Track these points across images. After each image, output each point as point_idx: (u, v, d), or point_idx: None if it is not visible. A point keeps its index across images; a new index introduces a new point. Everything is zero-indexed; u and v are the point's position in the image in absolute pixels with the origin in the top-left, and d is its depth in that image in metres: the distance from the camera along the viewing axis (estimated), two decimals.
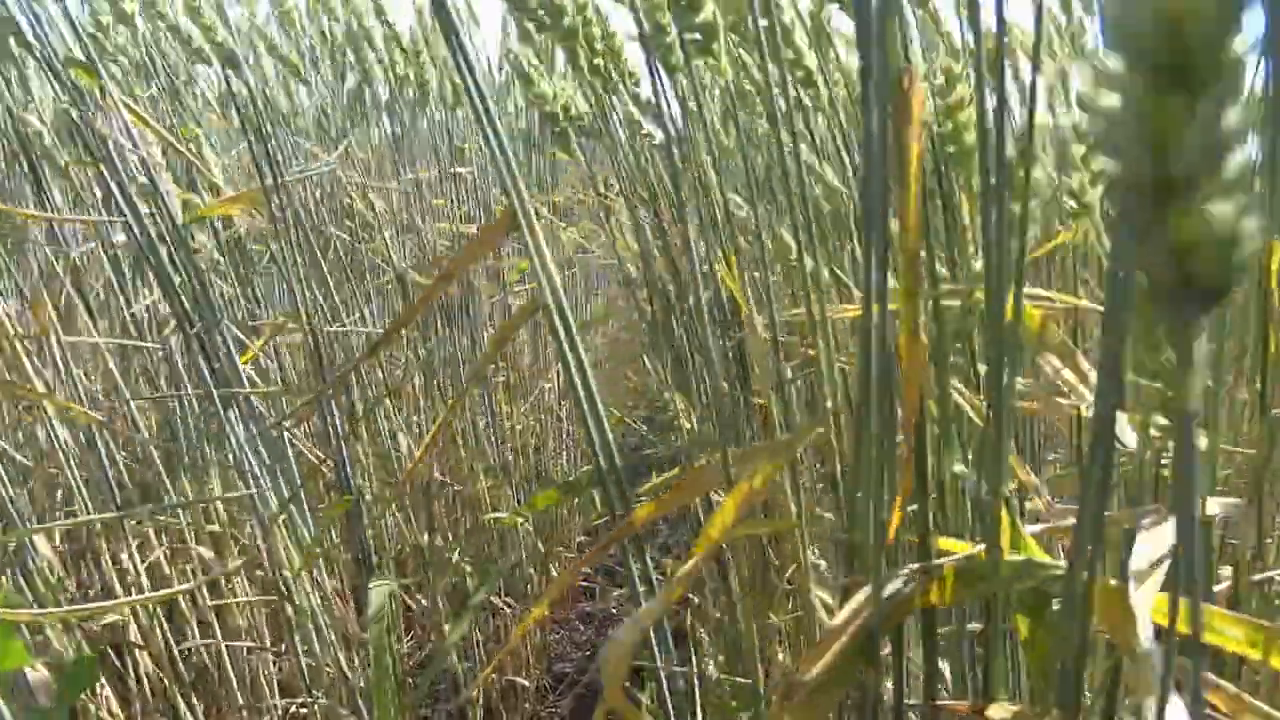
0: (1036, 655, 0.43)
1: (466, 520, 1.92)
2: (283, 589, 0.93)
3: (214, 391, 0.85)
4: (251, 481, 0.91)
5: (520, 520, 1.83)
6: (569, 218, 2.43)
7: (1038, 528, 0.43)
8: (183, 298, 0.84)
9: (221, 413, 0.90)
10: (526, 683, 1.98)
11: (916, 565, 0.44)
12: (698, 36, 0.50)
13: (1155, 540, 0.39)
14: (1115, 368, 0.35)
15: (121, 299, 1.08)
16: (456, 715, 1.74)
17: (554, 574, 2.31)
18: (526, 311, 0.49)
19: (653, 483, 0.77)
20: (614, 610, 2.42)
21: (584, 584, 2.47)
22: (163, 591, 0.97)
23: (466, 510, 1.92)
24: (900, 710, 0.50)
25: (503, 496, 1.92)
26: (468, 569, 1.69)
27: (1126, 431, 0.44)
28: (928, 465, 0.41)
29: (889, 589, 0.44)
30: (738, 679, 0.79)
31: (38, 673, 0.60)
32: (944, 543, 0.45)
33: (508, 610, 1.96)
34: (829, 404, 0.49)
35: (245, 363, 0.92)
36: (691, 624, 1.29)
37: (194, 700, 1.12)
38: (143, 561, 1.05)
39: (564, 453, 2.43)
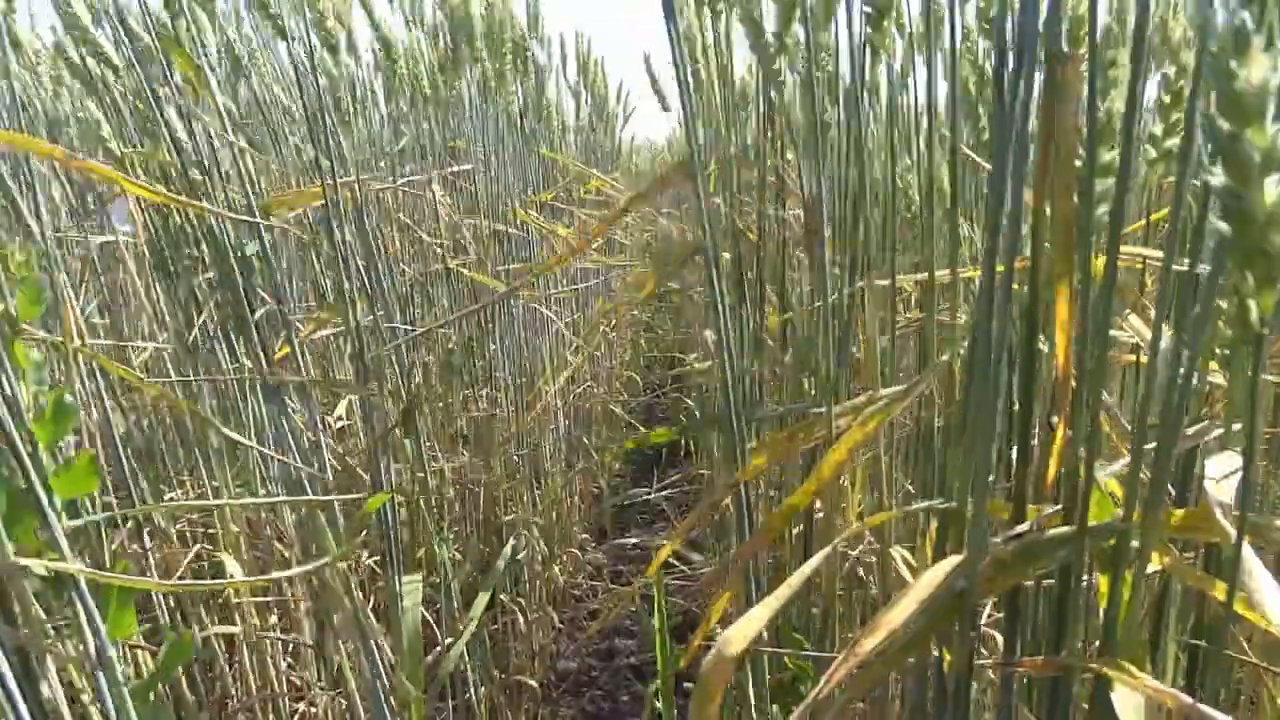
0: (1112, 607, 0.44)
1: (478, 519, 1.91)
2: (318, 582, 0.93)
3: (265, 378, 0.85)
4: (294, 469, 0.91)
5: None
6: (558, 217, 2.44)
7: (1115, 467, 0.44)
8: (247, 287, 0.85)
9: (261, 403, 0.89)
10: (532, 682, 1.98)
11: (1011, 533, 0.45)
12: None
13: (1224, 460, 0.41)
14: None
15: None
16: (463, 711, 1.73)
17: (556, 573, 2.31)
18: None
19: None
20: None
21: (588, 582, 2.47)
22: (270, 575, 0.96)
23: (473, 508, 1.92)
24: (970, 671, 0.51)
25: (513, 494, 1.92)
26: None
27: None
28: (1031, 427, 0.42)
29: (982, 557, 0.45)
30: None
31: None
32: (1033, 511, 0.46)
33: (515, 608, 1.96)
34: (945, 358, 0.50)
35: (283, 355, 0.92)
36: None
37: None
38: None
39: (560, 454, 2.43)
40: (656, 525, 2.78)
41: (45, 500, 0.58)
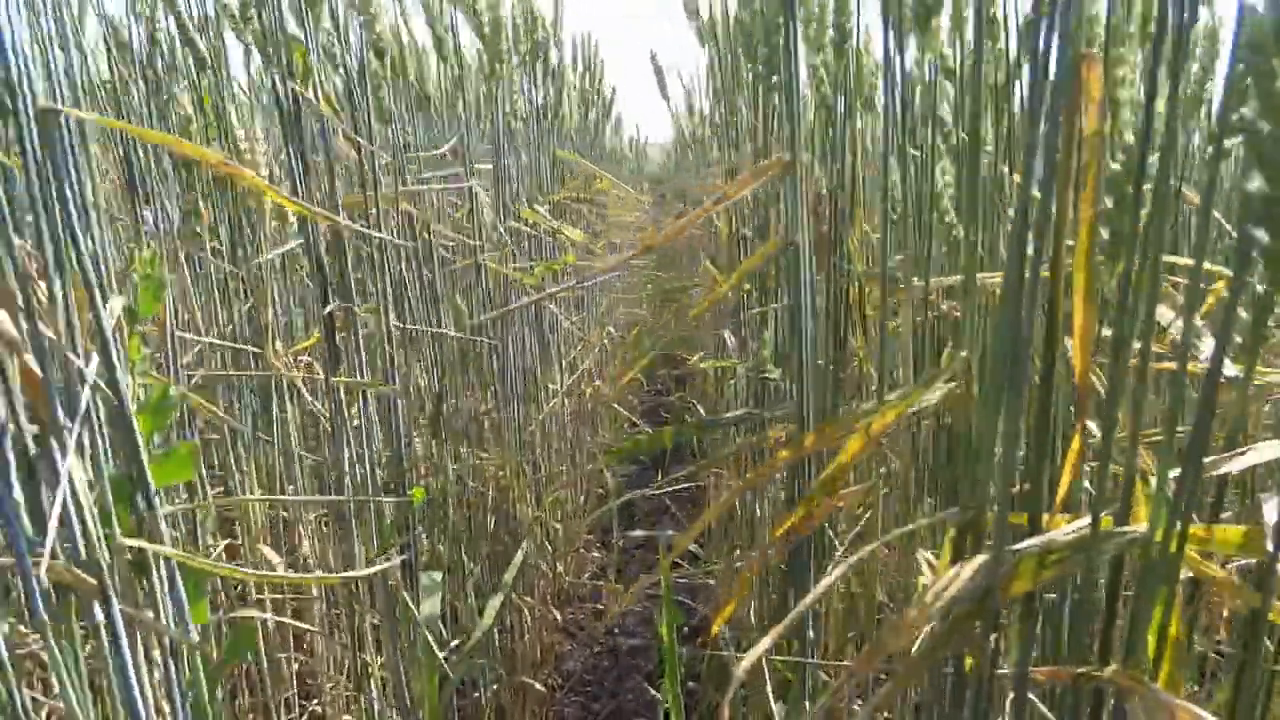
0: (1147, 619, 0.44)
1: (485, 519, 1.92)
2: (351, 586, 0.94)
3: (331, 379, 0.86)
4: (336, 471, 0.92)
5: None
6: (566, 217, 2.45)
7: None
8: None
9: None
10: (537, 684, 1.98)
11: (1032, 539, 0.45)
12: None
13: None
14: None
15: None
16: (471, 710, 1.74)
17: (561, 572, 2.32)
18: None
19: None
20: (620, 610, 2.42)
21: (592, 582, 2.48)
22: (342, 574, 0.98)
23: (480, 509, 1.92)
24: (990, 678, 0.51)
25: (520, 494, 1.92)
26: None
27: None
28: (1050, 433, 0.42)
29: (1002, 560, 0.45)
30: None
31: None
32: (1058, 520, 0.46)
33: (521, 606, 1.96)
34: (963, 354, 0.50)
35: (304, 350, 0.93)
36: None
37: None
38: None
39: (567, 457, 2.43)
40: (661, 524, 2.78)
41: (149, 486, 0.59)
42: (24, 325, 0.52)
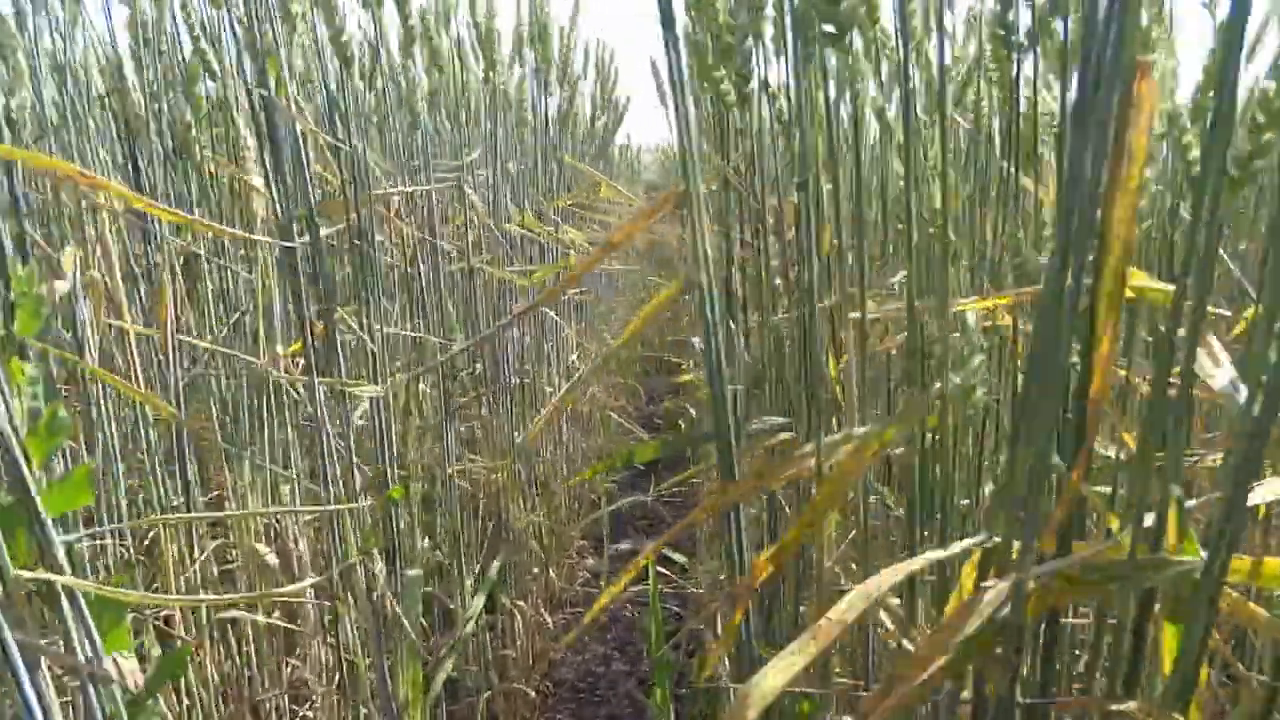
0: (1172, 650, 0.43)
1: (477, 524, 1.90)
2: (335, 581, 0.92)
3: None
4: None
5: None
6: (569, 221, 2.44)
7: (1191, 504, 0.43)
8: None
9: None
10: (529, 690, 1.96)
11: (1056, 561, 0.44)
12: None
13: None
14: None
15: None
16: (463, 715, 1.72)
17: (553, 577, 2.30)
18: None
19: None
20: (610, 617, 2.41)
21: (584, 590, 2.46)
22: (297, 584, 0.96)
23: (472, 513, 1.90)
24: (1011, 707, 0.50)
25: (514, 500, 1.91)
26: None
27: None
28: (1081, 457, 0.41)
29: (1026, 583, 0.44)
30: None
31: (127, 660, 0.59)
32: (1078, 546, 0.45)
33: (514, 612, 1.94)
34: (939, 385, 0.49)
35: (291, 353, 0.91)
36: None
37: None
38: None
39: (564, 465, 2.42)
40: (654, 531, 2.76)
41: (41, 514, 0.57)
42: None
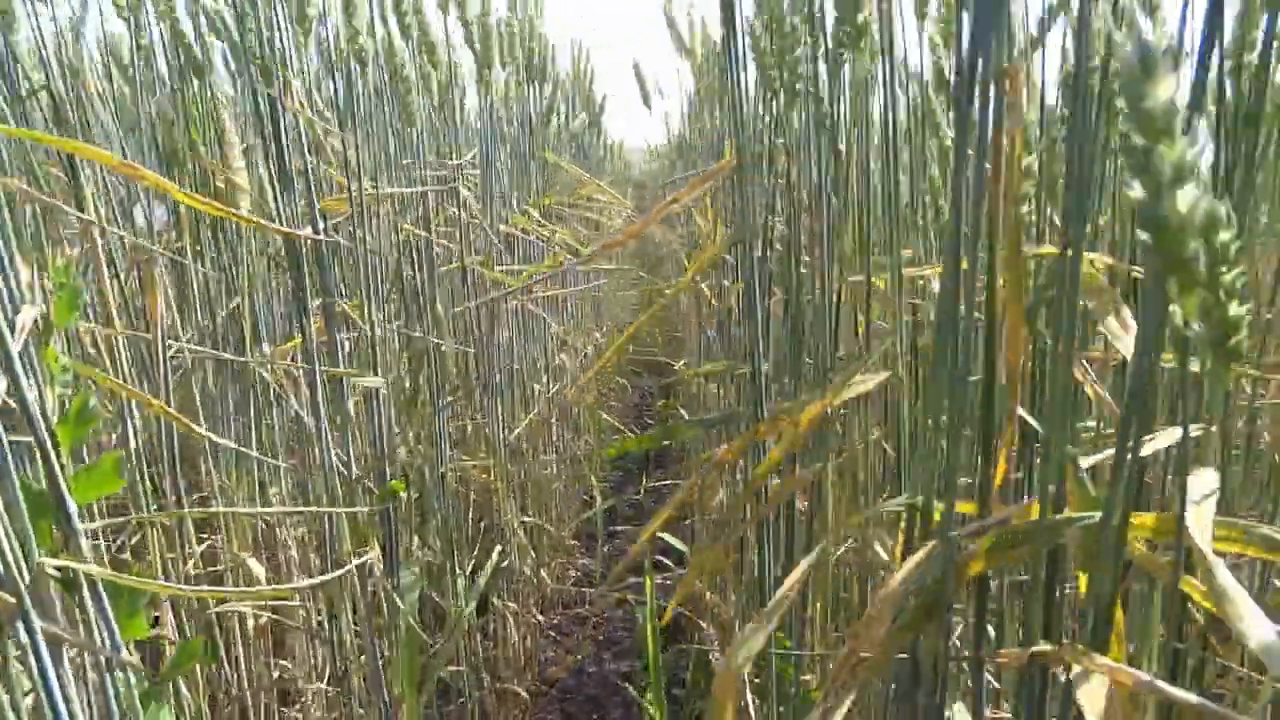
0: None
1: (468, 523, 1.92)
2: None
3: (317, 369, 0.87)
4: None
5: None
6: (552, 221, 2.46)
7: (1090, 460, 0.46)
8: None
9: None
10: (520, 690, 1.98)
11: (976, 524, 0.47)
12: None
13: (1204, 478, 0.43)
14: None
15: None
16: (455, 715, 1.74)
17: (544, 576, 2.32)
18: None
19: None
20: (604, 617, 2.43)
21: (576, 588, 2.48)
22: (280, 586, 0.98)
23: (464, 513, 1.93)
24: (945, 663, 0.53)
25: (505, 498, 1.93)
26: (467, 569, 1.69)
27: None
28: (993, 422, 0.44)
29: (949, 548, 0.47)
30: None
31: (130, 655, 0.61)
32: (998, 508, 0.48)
33: (505, 613, 1.97)
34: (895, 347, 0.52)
35: (291, 349, 0.94)
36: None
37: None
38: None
39: (552, 465, 2.44)
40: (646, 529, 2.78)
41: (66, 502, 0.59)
42: None
